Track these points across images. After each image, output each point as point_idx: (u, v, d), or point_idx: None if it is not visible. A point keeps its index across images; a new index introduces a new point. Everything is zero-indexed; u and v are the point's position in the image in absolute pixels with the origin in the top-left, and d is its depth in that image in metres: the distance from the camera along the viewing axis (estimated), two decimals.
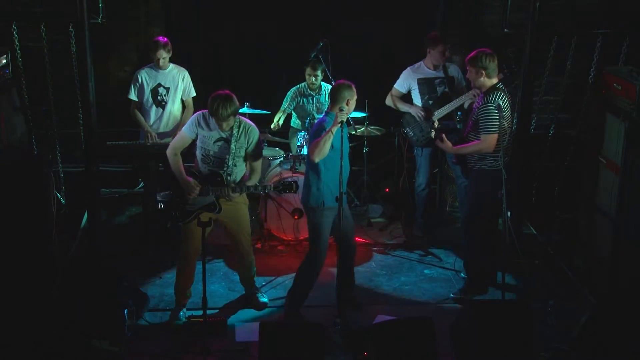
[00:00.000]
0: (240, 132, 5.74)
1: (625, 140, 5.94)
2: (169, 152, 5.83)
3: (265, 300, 6.17)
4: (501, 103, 5.79)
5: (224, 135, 5.73)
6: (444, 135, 6.09)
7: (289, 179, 6.05)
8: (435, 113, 6.96)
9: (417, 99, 7.13)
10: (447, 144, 6.05)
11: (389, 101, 7.25)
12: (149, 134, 6.90)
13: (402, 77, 7.18)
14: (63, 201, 7.66)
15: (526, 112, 6.93)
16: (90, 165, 6.56)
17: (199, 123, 5.76)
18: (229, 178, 5.77)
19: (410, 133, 7.18)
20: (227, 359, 5.38)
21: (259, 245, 7.11)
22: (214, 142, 5.75)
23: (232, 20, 8.23)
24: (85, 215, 7.14)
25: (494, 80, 5.91)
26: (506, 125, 5.86)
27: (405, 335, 5.08)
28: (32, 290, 5.19)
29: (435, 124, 6.79)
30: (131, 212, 7.89)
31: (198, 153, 5.83)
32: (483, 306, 5.53)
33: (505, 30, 7.72)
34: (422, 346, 5.05)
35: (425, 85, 7.08)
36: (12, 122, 6.87)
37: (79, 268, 5.72)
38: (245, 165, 5.88)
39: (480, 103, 5.89)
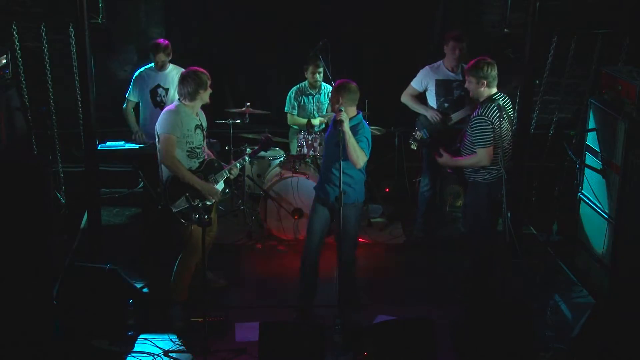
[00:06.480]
0: (199, 114, 5.81)
1: (625, 140, 5.94)
2: (169, 162, 5.55)
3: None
4: (497, 114, 5.70)
5: (197, 121, 5.73)
6: (441, 149, 6.04)
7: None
8: (452, 116, 6.90)
9: (432, 100, 7.01)
10: (444, 159, 6.00)
11: (404, 99, 7.10)
12: (137, 134, 6.91)
13: (420, 75, 7.04)
14: (63, 201, 7.66)
15: (526, 112, 6.92)
16: (90, 165, 6.55)
17: (181, 121, 5.58)
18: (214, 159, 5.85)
19: (426, 134, 7.12)
20: (227, 359, 5.38)
21: (259, 246, 7.12)
22: (195, 131, 5.69)
23: (232, 20, 8.23)
24: (85, 215, 7.14)
25: (493, 90, 5.78)
26: (504, 134, 5.76)
27: (405, 335, 5.09)
28: (32, 290, 5.18)
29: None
30: (131, 212, 7.88)
31: (181, 152, 5.64)
32: (483, 306, 5.53)
33: (505, 30, 7.72)
34: (422, 346, 5.06)
35: (442, 86, 6.96)
36: (12, 122, 6.86)
37: (79, 268, 5.70)
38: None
39: (476, 114, 5.80)
